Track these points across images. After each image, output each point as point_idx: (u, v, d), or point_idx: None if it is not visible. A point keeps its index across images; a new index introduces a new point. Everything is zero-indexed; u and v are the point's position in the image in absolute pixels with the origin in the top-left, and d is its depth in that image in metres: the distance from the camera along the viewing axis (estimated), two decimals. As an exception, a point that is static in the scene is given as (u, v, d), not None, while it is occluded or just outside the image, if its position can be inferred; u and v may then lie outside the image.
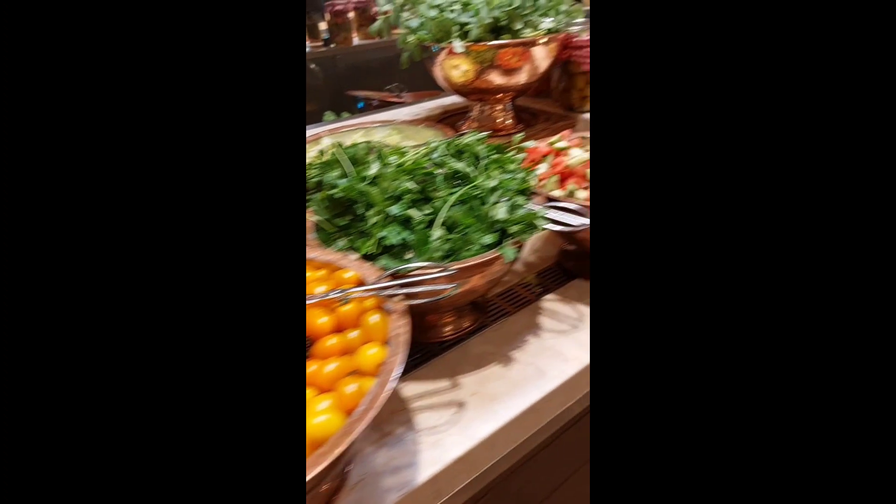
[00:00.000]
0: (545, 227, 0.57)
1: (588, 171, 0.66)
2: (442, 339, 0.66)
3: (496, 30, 0.89)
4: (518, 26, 0.87)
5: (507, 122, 1.11)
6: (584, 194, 0.65)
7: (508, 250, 0.52)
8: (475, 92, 1.02)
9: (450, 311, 0.68)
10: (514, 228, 0.54)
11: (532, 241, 0.87)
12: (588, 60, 1.05)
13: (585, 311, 0.70)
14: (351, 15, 2.82)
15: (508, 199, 0.58)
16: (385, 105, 1.42)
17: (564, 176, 0.67)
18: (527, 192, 0.64)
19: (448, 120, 1.19)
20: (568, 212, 0.61)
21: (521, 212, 0.56)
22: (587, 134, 0.85)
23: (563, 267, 0.80)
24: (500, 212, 0.54)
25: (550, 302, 0.73)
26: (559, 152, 0.71)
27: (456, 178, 0.66)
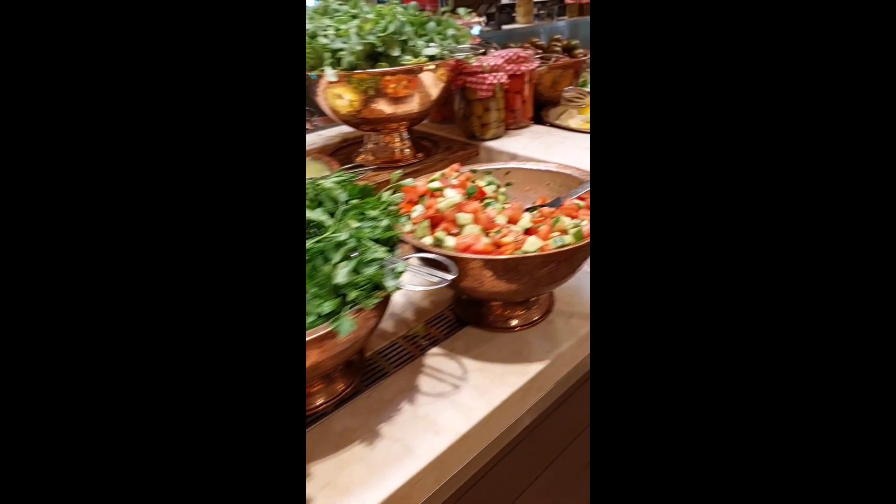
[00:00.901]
0: (402, 286, 0.50)
1: (458, 215, 0.59)
2: (312, 411, 0.58)
3: (374, 56, 0.82)
4: (396, 53, 0.80)
5: (405, 152, 1.04)
6: (452, 242, 0.58)
7: (345, 322, 0.44)
8: (365, 122, 0.95)
9: (316, 379, 0.59)
10: (354, 294, 0.46)
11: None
12: (483, 87, 1.00)
13: (470, 365, 0.63)
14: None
15: (358, 254, 0.50)
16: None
17: (435, 221, 0.61)
18: (391, 242, 0.57)
19: (346, 150, 1.11)
20: (433, 265, 0.54)
21: (368, 271, 0.48)
22: (481, 167, 0.79)
23: (456, 313, 0.73)
24: (341, 274, 0.47)
25: (434, 357, 0.65)
26: (434, 193, 0.64)
27: (311, 227, 0.58)
